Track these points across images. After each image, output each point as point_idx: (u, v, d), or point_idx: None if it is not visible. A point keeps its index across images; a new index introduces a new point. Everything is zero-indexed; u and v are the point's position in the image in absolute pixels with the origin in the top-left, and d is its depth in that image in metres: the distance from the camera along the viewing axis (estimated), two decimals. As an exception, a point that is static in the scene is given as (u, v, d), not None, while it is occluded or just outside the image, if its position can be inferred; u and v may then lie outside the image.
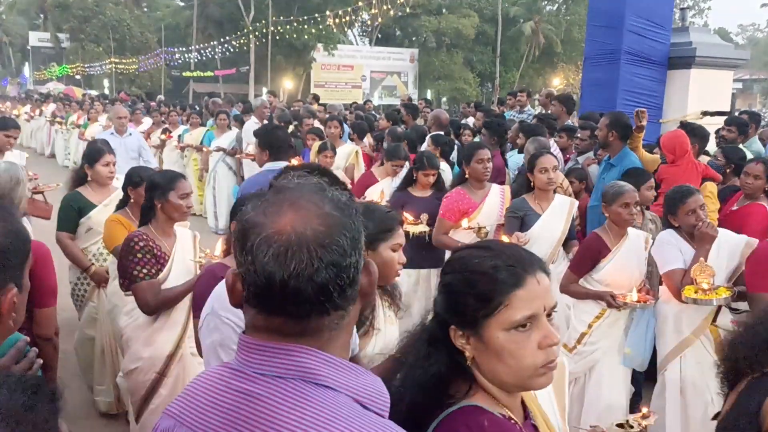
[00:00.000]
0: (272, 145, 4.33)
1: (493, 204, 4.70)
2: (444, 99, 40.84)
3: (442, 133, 7.40)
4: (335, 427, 0.95)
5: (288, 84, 37.01)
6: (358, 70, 40.43)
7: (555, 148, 6.41)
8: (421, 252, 4.68)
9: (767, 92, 47.92)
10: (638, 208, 3.86)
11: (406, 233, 4.76)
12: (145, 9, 49.57)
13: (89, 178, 4.43)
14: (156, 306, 3.19)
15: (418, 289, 4.88)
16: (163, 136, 11.01)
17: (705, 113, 7.51)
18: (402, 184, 5.13)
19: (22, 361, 1.60)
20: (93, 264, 4.30)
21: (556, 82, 37.89)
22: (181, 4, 47.22)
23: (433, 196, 4.92)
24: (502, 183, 5.76)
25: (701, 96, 8.00)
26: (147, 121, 12.67)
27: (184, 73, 40.70)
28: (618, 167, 5.07)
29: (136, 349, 3.28)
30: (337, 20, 30.18)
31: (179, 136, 10.88)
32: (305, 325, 1.01)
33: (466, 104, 14.74)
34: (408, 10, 31.16)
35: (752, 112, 8.77)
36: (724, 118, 7.39)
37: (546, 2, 44.99)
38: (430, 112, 10.22)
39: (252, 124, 9.21)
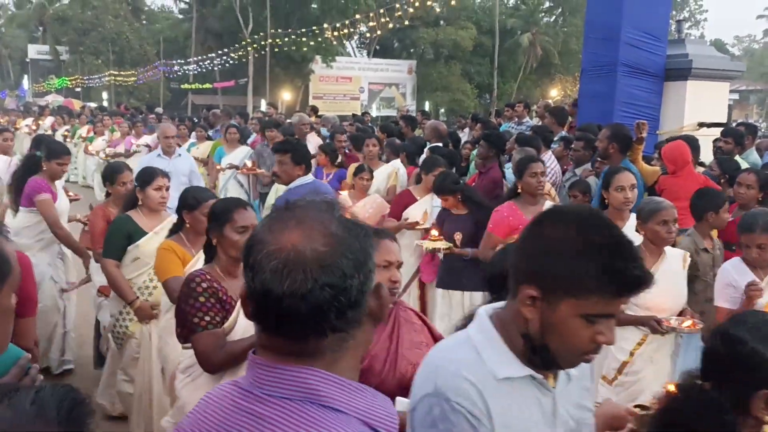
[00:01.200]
0: (307, 160, 4.49)
1: None
2: (442, 110, 40.94)
3: (441, 144, 7.41)
4: None
5: (286, 96, 37.10)
6: (357, 81, 40.53)
7: (552, 159, 6.44)
8: (458, 273, 4.52)
9: (764, 103, 48.11)
10: (676, 225, 3.63)
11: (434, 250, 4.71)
12: (144, 22, 49.75)
13: (140, 203, 4.04)
14: (220, 362, 2.59)
15: (453, 314, 4.60)
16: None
17: (701, 124, 7.54)
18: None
19: (24, 379, 1.59)
20: (138, 298, 3.92)
21: (554, 94, 38.03)
22: (180, 16, 47.38)
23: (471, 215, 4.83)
24: (499, 196, 5.77)
25: (698, 107, 8.04)
26: (153, 136, 12.13)
27: (182, 86, 40.80)
28: (617, 179, 5.09)
29: None
30: (335, 33, 30.31)
31: (187, 149, 10.28)
32: (303, 346, 1.01)
33: (461, 117, 14.77)
34: (406, 22, 31.30)
35: (749, 124, 8.82)
36: (721, 129, 7.43)
37: (543, 14, 45.23)
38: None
39: None
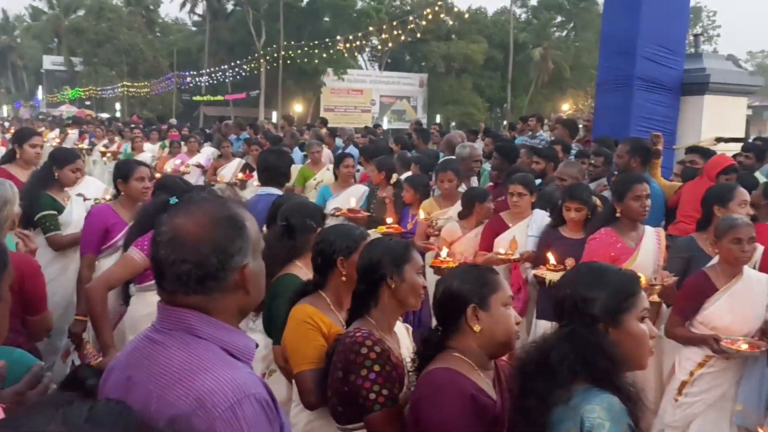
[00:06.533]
0: (264, 172, 4.38)
1: (649, 251, 3.90)
2: (453, 124, 41.01)
3: (454, 157, 7.33)
4: (197, 360, 1.36)
5: (298, 108, 37.29)
6: (368, 94, 40.71)
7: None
8: None
9: (777, 119, 47.76)
10: (753, 245, 3.42)
11: (544, 280, 3.98)
12: (158, 33, 50.24)
13: None
14: None
15: None
16: (241, 175, 8.12)
17: (719, 139, 7.44)
18: (552, 222, 4.46)
19: (37, 387, 1.63)
20: None
21: (565, 108, 38.01)
22: (193, 29, 47.84)
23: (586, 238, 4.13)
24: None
25: (715, 122, 7.95)
26: (206, 151, 10.03)
27: (194, 98, 41.10)
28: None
29: None
30: (347, 45, 30.44)
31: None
32: (176, 298, 1.41)
33: (471, 132, 14.44)
34: (418, 35, 31.41)
35: (765, 138, 8.69)
36: (739, 144, 7.32)
37: (555, 29, 45.34)
38: (441, 137, 10.19)
39: None
